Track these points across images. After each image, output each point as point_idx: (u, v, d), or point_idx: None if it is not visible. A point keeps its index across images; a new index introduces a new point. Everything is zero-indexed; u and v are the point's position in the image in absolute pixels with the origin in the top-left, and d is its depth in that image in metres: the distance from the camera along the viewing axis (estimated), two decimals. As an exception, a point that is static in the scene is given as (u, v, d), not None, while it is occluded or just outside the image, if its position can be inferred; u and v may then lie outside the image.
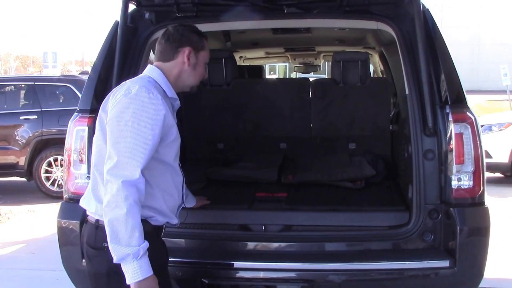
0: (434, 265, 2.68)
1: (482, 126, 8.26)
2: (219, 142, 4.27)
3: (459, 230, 2.64)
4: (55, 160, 7.80)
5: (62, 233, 2.88)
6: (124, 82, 2.23)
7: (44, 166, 7.81)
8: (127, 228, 1.94)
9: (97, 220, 2.13)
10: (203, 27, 3.37)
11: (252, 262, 2.73)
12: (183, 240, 2.88)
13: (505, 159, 8.06)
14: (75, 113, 2.97)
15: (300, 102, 4.18)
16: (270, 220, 2.95)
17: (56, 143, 7.64)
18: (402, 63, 2.91)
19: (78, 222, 2.77)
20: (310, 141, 4.23)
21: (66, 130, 3.00)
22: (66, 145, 2.95)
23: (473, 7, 35.24)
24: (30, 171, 7.80)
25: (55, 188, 7.78)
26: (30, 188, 8.13)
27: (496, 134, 8.25)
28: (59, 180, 7.75)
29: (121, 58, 2.94)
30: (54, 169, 7.81)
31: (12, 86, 8.46)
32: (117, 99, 2.10)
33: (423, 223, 2.75)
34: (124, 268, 1.96)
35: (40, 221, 6.50)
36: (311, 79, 4.47)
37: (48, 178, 7.84)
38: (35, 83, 8.20)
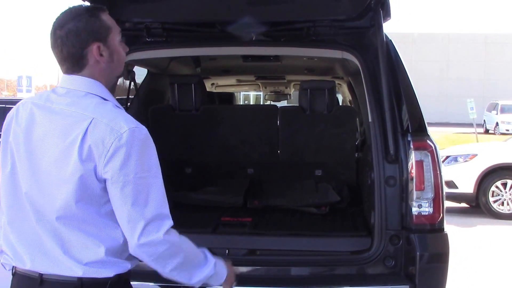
0: None
1: (448, 157, 8.59)
2: (187, 167, 4.28)
3: (419, 256, 2.68)
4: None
5: None
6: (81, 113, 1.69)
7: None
8: (193, 266, 1.82)
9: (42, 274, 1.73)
10: (173, 52, 3.45)
11: (213, 285, 2.72)
12: (144, 263, 2.85)
13: (470, 190, 8.20)
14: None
15: (268, 128, 4.23)
16: (234, 244, 2.95)
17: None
18: (366, 91, 3.00)
19: None
20: (277, 167, 4.27)
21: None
22: None
23: (441, 43, 36.32)
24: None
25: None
26: None
27: (461, 165, 8.42)
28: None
29: None
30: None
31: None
32: (108, 147, 1.65)
33: (385, 249, 2.79)
34: (209, 281, 1.89)
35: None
36: (279, 106, 4.54)
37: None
38: (6, 105, 8.14)
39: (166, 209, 1.74)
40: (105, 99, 1.76)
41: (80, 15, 1.75)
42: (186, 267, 1.79)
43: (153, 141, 3.12)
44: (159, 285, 2.73)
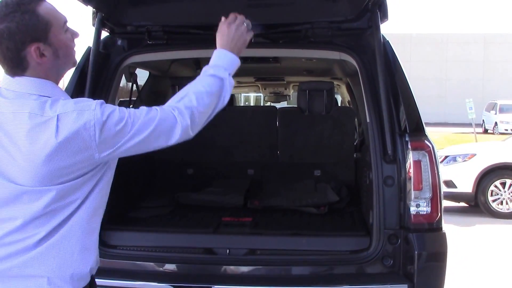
0: None
1: (447, 157, 8.62)
2: (188, 167, 4.33)
3: (417, 255, 2.70)
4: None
5: None
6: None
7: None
8: (218, 95, 1.86)
9: None
10: (174, 54, 3.48)
11: (215, 285, 2.76)
12: (148, 263, 2.89)
13: (469, 189, 8.23)
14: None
15: (267, 129, 4.27)
16: (235, 244, 2.98)
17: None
18: (363, 92, 3.03)
19: None
20: (276, 167, 4.31)
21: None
22: None
23: (440, 43, 36.37)
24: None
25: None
26: None
27: (460, 165, 8.45)
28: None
29: (92, 82, 2.98)
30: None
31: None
32: (91, 129, 1.53)
33: (383, 248, 2.80)
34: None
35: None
36: (278, 108, 4.59)
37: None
38: None
39: (166, 113, 1.70)
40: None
41: (12, 12, 1.50)
42: (217, 99, 1.86)
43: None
44: (159, 285, 2.77)
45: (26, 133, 1.51)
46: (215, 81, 1.85)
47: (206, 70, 1.89)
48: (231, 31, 2.00)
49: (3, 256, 1.56)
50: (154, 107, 1.69)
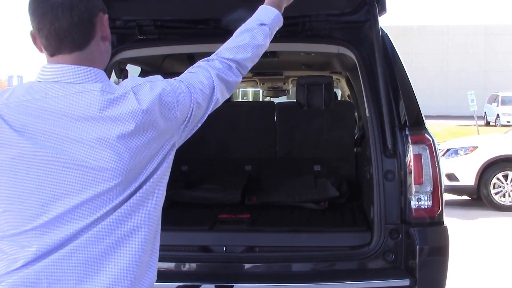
0: (395, 284, 2.71)
1: (449, 150, 8.57)
2: (182, 164, 4.27)
3: (419, 250, 2.68)
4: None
5: None
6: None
7: None
8: (256, 45, 1.83)
9: None
10: (167, 49, 3.44)
11: (211, 283, 2.72)
12: None
13: (471, 182, 8.19)
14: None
15: (265, 124, 4.23)
16: (231, 241, 2.95)
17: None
18: (362, 86, 2.99)
19: None
20: (275, 163, 4.27)
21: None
22: None
23: (440, 35, 36.27)
24: None
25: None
26: None
27: (462, 158, 8.41)
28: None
29: None
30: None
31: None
32: (169, 96, 1.45)
33: (385, 243, 2.79)
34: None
35: None
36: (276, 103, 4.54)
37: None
38: None
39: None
40: None
41: None
42: (250, 44, 1.81)
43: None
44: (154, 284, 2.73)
45: (104, 108, 1.34)
46: (245, 33, 1.83)
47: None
48: None
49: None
50: (193, 69, 1.67)
